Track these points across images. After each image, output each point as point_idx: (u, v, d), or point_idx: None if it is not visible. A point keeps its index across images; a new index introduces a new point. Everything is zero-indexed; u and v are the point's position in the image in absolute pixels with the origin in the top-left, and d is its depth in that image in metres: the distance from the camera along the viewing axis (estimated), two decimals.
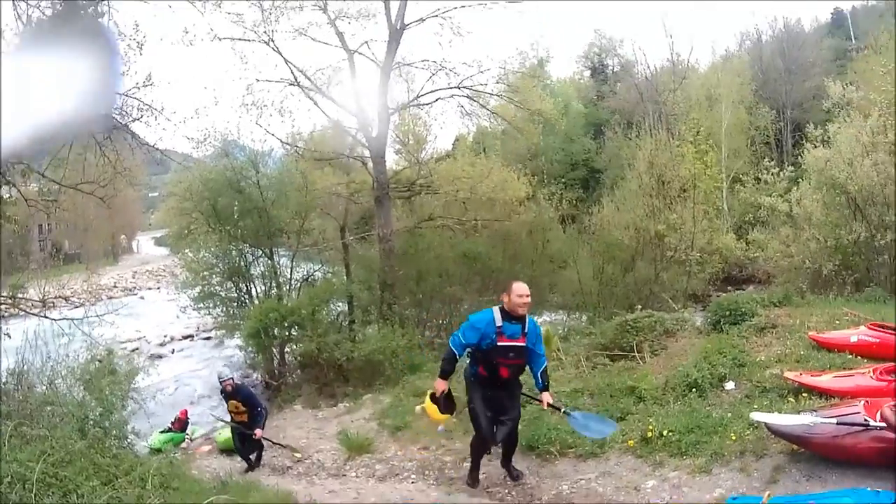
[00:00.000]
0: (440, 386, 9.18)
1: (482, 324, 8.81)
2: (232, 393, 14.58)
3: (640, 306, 19.90)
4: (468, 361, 9.32)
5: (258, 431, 14.52)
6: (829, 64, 55.33)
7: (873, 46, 41.10)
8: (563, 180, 47.85)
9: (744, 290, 28.19)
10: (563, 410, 9.56)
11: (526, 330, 8.85)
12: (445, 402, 9.38)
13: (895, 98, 21.42)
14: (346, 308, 25.70)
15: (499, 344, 8.74)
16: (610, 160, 47.12)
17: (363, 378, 20.72)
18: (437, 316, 27.90)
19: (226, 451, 16.62)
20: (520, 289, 8.85)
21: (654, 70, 56.84)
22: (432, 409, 9.43)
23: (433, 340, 25.21)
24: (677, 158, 32.32)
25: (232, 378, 14.83)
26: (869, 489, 6.20)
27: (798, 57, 57.05)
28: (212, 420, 19.71)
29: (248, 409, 14.58)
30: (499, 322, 8.75)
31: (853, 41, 60.82)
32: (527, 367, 9.23)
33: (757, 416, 8.24)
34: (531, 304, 9.01)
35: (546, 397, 9.19)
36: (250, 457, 14.69)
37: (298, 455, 14.70)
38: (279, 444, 15.24)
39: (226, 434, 16.50)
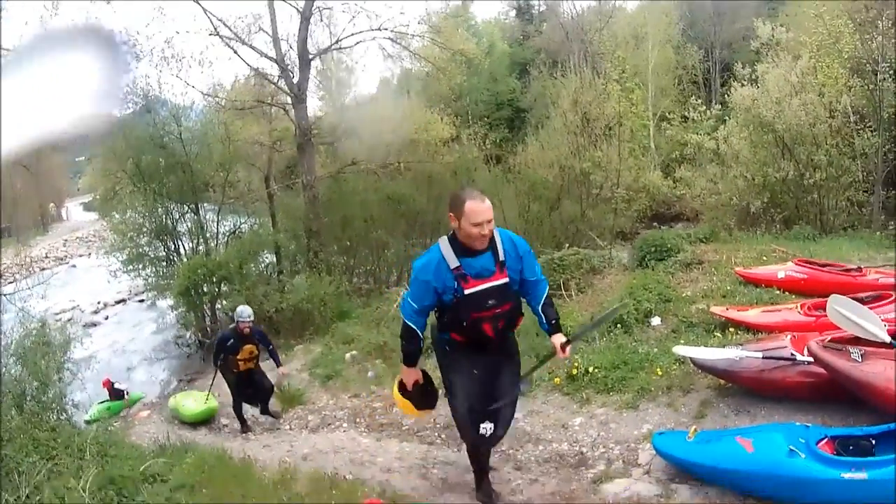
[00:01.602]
0: (408, 376, 6.53)
1: (429, 272, 5.85)
2: (248, 336, 12.93)
3: (567, 244, 20.04)
4: (436, 325, 6.40)
5: (283, 368, 13.93)
6: (760, 6, 55.62)
7: None
8: (488, 121, 47.91)
9: (672, 227, 28.44)
10: (570, 339, 6.37)
11: (501, 255, 5.91)
12: (421, 394, 6.74)
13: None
14: (275, 259, 25.95)
15: (466, 293, 5.80)
16: (535, 100, 47.04)
17: (293, 329, 20.91)
18: (365, 262, 28.38)
19: (194, 423, 14.70)
20: (476, 208, 5.69)
21: (581, 10, 56.74)
22: (405, 404, 6.86)
23: (361, 287, 25.50)
24: (602, 97, 32.36)
25: (252, 317, 13.08)
26: (797, 423, 6.21)
27: None
28: (156, 382, 19.79)
29: (258, 354, 13.33)
30: (453, 261, 5.78)
31: None
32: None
33: (680, 349, 8.33)
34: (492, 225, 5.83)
35: (558, 340, 6.16)
36: (257, 406, 13.80)
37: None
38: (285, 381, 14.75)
39: (193, 408, 14.85)
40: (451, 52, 31.40)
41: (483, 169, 33.01)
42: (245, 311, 12.88)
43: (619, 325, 11.17)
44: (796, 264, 12.67)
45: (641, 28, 48.52)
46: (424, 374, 6.77)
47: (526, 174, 30.87)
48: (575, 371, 9.24)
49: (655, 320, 11.49)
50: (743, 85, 27.41)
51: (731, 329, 9.96)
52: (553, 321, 6.25)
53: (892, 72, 23.45)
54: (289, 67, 27.19)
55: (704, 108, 33.62)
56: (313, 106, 33.22)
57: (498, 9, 69.59)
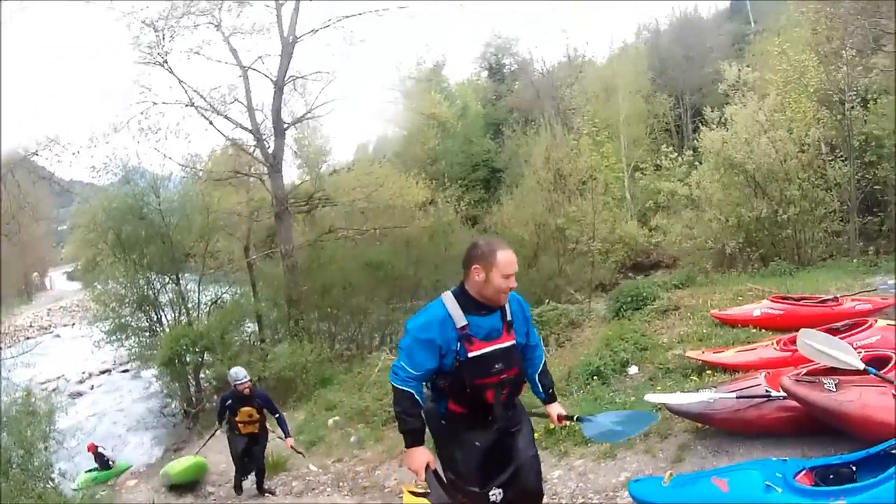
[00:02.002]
0: (418, 459, 5.05)
1: (433, 329, 4.95)
2: (248, 398, 12.22)
3: (547, 300, 20.08)
4: (429, 396, 5.34)
5: (290, 440, 13.02)
6: (727, 49, 56.27)
7: (772, 29, 41.84)
8: (463, 182, 47.95)
9: (650, 275, 28.53)
10: (575, 418, 6.03)
11: (509, 315, 5.18)
12: (438, 483, 5.17)
13: None
14: (257, 328, 26.10)
15: (471, 355, 4.94)
16: (510, 159, 47.34)
17: (277, 396, 20.70)
18: (346, 328, 28.18)
19: (178, 486, 14.43)
20: (509, 258, 4.94)
21: (551, 67, 57.31)
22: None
23: (342, 353, 25.62)
24: (574, 152, 32.63)
25: (248, 378, 12.36)
26: (773, 459, 6.14)
27: (696, 44, 58.17)
28: (143, 451, 19.51)
29: (262, 417, 12.54)
30: (460, 319, 4.92)
31: (752, 25, 61.95)
32: None
33: (652, 397, 8.31)
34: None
35: (555, 410, 5.73)
36: (246, 477, 13.12)
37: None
38: (300, 452, 13.95)
39: (183, 463, 14.76)
40: (425, 116, 31.64)
41: (460, 230, 32.90)
42: (240, 373, 12.30)
43: (595, 377, 11.12)
44: (772, 301, 12.70)
45: (611, 80, 48.87)
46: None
47: (502, 233, 30.92)
48: (552, 425, 9.13)
49: (633, 369, 11.49)
50: (711, 128, 27.87)
51: (709, 371, 9.94)
52: (550, 390, 5.75)
53: (859, 99, 23.72)
54: (264, 137, 27.55)
55: (676, 154, 33.70)
56: (291, 174, 33.67)
57: (471, 70, 69.92)
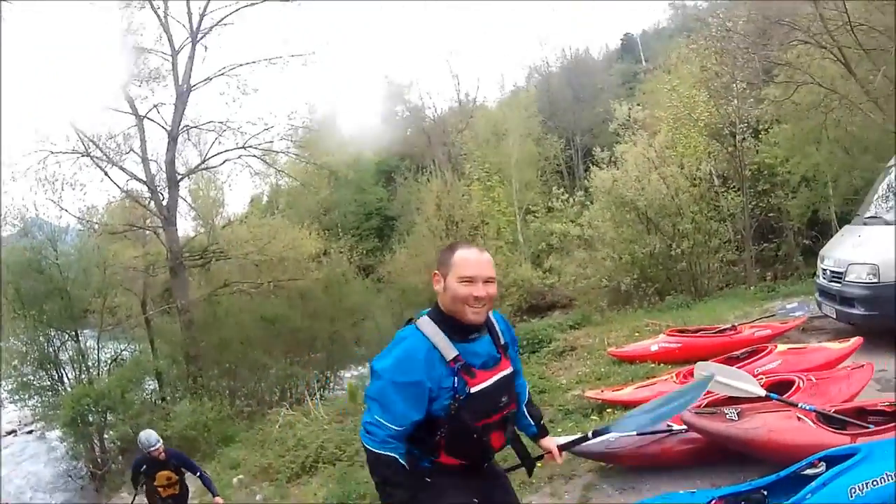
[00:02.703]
0: None
1: (416, 368, 3.79)
2: (164, 461, 11.19)
3: None
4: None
5: (218, 499, 11.60)
6: (618, 88, 57.44)
7: (662, 67, 42.58)
8: (357, 231, 48.34)
9: (548, 316, 28.62)
10: (591, 433, 4.84)
11: (502, 337, 4.22)
12: None
13: None
14: (157, 386, 25.80)
15: (473, 391, 3.93)
16: (402, 206, 47.43)
17: None
18: (246, 384, 27.84)
19: None
20: (469, 257, 3.91)
21: (442, 112, 57.69)
22: None
23: (243, 409, 25.13)
24: (465, 197, 32.79)
25: (160, 442, 11.16)
26: (682, 491, 6.05)
27: (587, 84, 59.21)
28: None
29: (181, 477, 11.54)
30: (447, 348, 3.88)
31: (643, 63, 63.08)
32: None
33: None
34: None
35: (552, 443, 4.69)
36: None
37: None
38: None
39: None
40: (316, 165, 31.51)
41: (355, 281, 32.86)
42: (151, 437, 11.12)
43: None
44: (668, 335, 12.80)
45: (502, 124, 49.37)
46: None
47: (396, 282, 30.88)
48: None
49: None
50: (601, 168, 28.26)
51: (609, 410, 9.87)
52: (541, 422, 4.69)
53: (750, 131, 24.22)
54: (159, 188, 27.21)
55: (567, 196, 33.94)
56: (187, 227, 33.41)
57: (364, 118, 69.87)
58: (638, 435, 7.12)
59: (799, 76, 21.62)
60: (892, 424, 6.65)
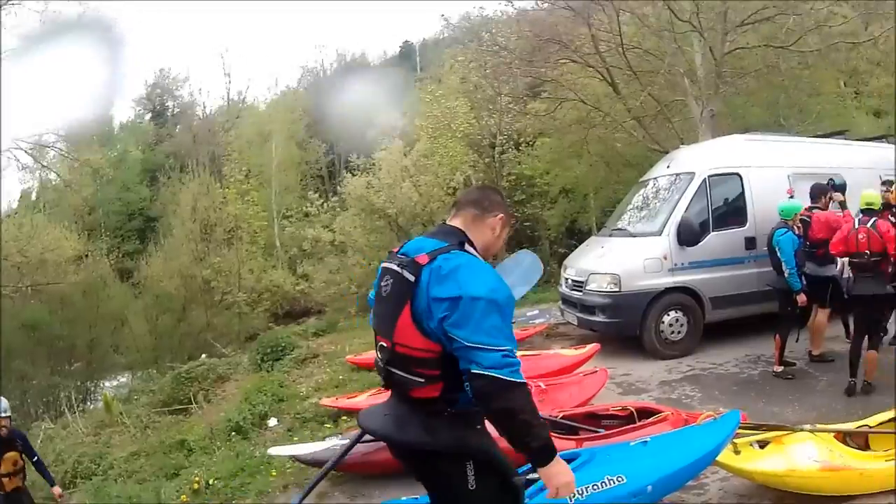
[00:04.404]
0: (570, 474, 3.76)
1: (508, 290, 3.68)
2: (9, 440, 9.25)
3: (202, 354, 19.85)
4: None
5: (57, 489, 9.66)
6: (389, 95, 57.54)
7: (435, 76, 42.97)
8: (120, 232, 47.20)
9: (303, 322, 28.47)
10: None
11: None
12: None
13: None
14: None
15: None
16: (164, 207, 46.38)
17: None
18: (9, 397, 26.56)
19: None
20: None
21: (212, 110, 56.86)
22: None
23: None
24: (221, 201, 32.53)
25: (9, 412, 9.45)
26: (405, 497, 6.32)
27: (357, 89, 59.05)
28: None
29: (23, 463, 9.42)
30: None
31: (419, 72, 63.34)
32: None
33: (275, 450, 8.39)
34: None
35: None
36: None
37: None
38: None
39: None
40: (77, 161, 30.61)
41: (116, 285, 31.83)
42: (2, 403, 9.24)
43: (236, 432, 10.94)
44: None
45: (268, 125, 48.86)
46: None
47: (152, 287, 30.23)
48: (196, 485, 8.91)
49: (272, 421, 11.37)
50: (354, 174, 28.40)
51: (344, 417, 10.09)
52: None
53: (511, 143, 24.84)
54: None
55: (322, 201, 33.88)
56: None
57: (135, 112, 67.65)
58: (361, 442, 7.22)
59: (565, 93, 22.34)
60: (621, 429, 7.10)
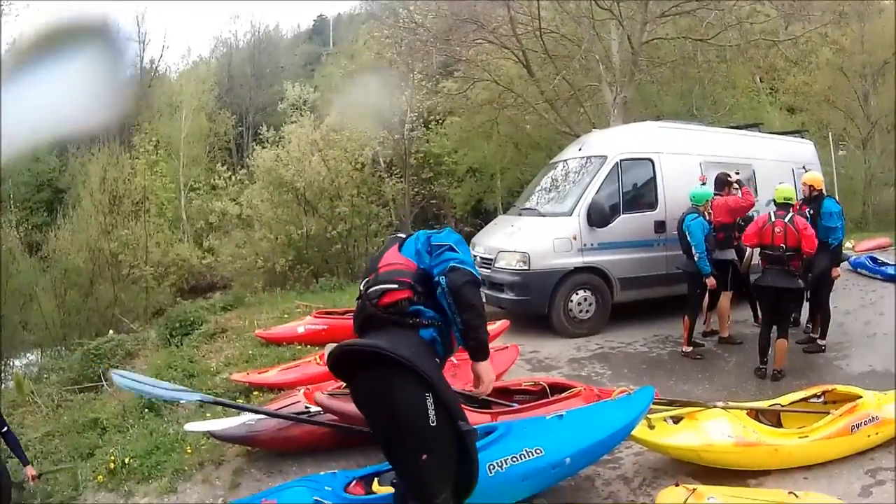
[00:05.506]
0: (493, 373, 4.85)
1: None
2: None
3: (110, 330, 19.63)
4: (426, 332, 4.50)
5: (31, 469, 8.31)
6: (300, 69, 57.12)
7: (347, 51, 42.85)
8: (28, 204, 46.15)
9: (210, 297, 28.24)
10: None
11: None
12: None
13: None
14: None
15: None
16: (73, 178, 45.57)
17: None
18: None
19: None
20: None
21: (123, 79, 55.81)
22: None
23: None
24: (130, 172, 32.13)
25: None
26: (323, 473, 6.36)
27: (268, 62, 58.48)
28: None
29: None
30: None
31: (331, 47, 62.94)
32: None
33: (191, 426, 8.23)
34: None
35: None
36: None
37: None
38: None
39: None
40: None
41: (22, 260, 31.05)
42: None
43: (148, 410, 10.87)
44: (315, 317, 13.23)
45: (178, 96, 48.22)
46: None
47: (59, 261, 29.68)
48: (112, 465, 8.87)
49: None
50: (264, 147, 28.26)
51: (256, 392, 10.07)
52: None
53: (421, 122, 24.96)
54: None
55: (230, 174, 33.58)
56: None
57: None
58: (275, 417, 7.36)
59: (478, 73, 22.49)
60: (534, 403, 7.30)
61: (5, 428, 8.08)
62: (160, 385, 7.44)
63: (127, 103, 45.21)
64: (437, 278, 4.35)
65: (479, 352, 4.46)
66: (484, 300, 4.32)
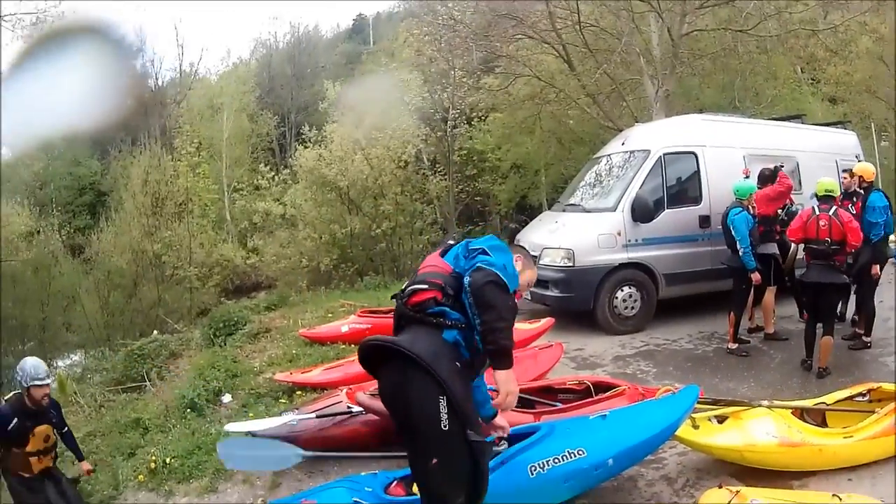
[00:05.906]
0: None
1: None
2: (44, 411, 7.86)
3: (154, 331, 19.63)
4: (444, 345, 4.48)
5: (86, 464, 8.47)
6: (340, 68, 57.09)
7: (386, 50, 42.85)
8: (71, 207, 46.68)
9: (254, 297, 28.19)
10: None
11: None
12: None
13: None
14: None
15: None
16: (115, 181, 45.72)
17: None
18: None
19: None
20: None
21: (164, 81, 56.04)
22: None
23: None
24: (172, 174, 32.37)
25: (50, 379, 8.38)
26: (363, 473, 6.19)
27: (308, 62, 58.55)
28: None
29: (55, 438, 8.13)
30: None
31: (371, 45, 63.00)
32: None
33: (232, 426, 8.25)
34: None
35: None
36: None
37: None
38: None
39: None
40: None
41: (67, 261, 31.30)
42: (40, 368, 7.84)
43: (191, 410, 10.83)
44: (359, 316, 13.17)
45: (219, 97, 48.32)
46: None
47: (102, 263, 29.79)
48: (154, 465, 8.81)
49: (226, 398, 11.22)
50: (307, 147, 28.28)
51: (299, 392, 10.03)
52: None
53: (463, 117, 24.84)
54: None
55: (273, 174, 33.63)
56: None
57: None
58: (318, 417, 7.38)
59: (519, 69, 22.38)
60: (578, 402, 7.18)
61: (66, 428, 8.35)
62: (270, 456, 6.98)
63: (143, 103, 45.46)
64: (464, 279, 4.37)
65: (500, 358, 4.38)
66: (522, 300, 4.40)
